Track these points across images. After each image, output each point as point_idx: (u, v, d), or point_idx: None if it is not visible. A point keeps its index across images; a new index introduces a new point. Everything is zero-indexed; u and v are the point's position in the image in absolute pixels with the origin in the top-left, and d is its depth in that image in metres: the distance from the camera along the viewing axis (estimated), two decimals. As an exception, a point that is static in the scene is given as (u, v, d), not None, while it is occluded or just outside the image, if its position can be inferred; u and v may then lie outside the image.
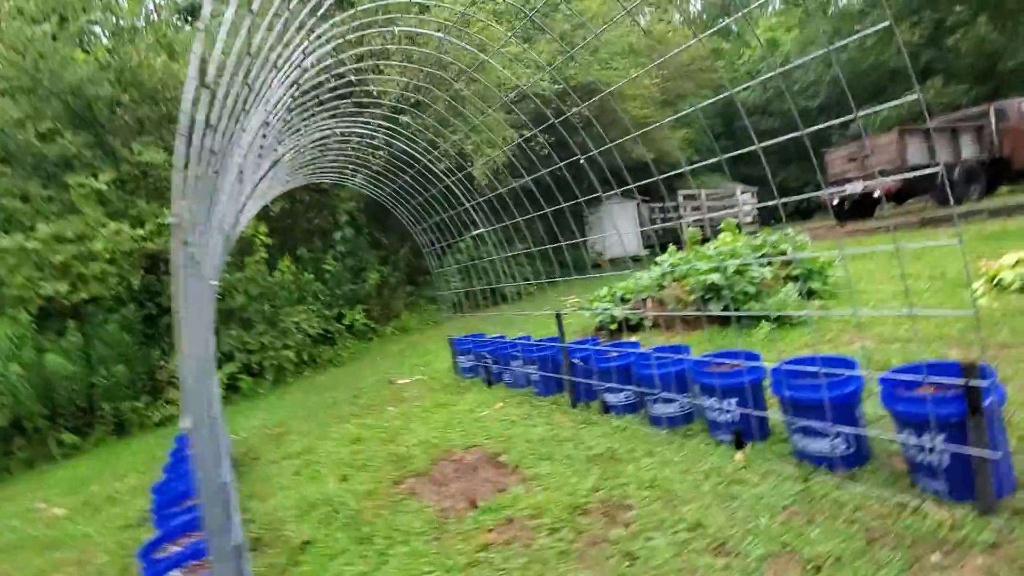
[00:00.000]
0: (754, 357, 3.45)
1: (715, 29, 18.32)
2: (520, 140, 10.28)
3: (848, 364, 2.88)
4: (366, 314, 12.13)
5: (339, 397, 7.52)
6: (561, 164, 4.23)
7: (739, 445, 3.19)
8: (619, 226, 16.23)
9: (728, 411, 3.30)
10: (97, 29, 10.52)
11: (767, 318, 5.61)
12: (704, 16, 34.15)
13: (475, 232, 6.16)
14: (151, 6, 11.59)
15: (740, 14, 3.36)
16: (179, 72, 9.69)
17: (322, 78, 4.85)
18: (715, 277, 5.95)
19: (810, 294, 6.31)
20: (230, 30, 1.93)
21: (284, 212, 11.47)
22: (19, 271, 8.48)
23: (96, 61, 9.42)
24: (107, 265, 8.98)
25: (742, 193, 19.43)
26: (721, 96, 3.26)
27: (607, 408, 4.37)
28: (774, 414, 3.22)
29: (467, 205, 6.10)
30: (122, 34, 10.24)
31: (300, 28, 3.10)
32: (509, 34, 9.63)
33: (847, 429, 2.65)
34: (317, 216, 11.99)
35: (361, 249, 12.32)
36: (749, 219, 19.30)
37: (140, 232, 9.19)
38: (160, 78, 9.69)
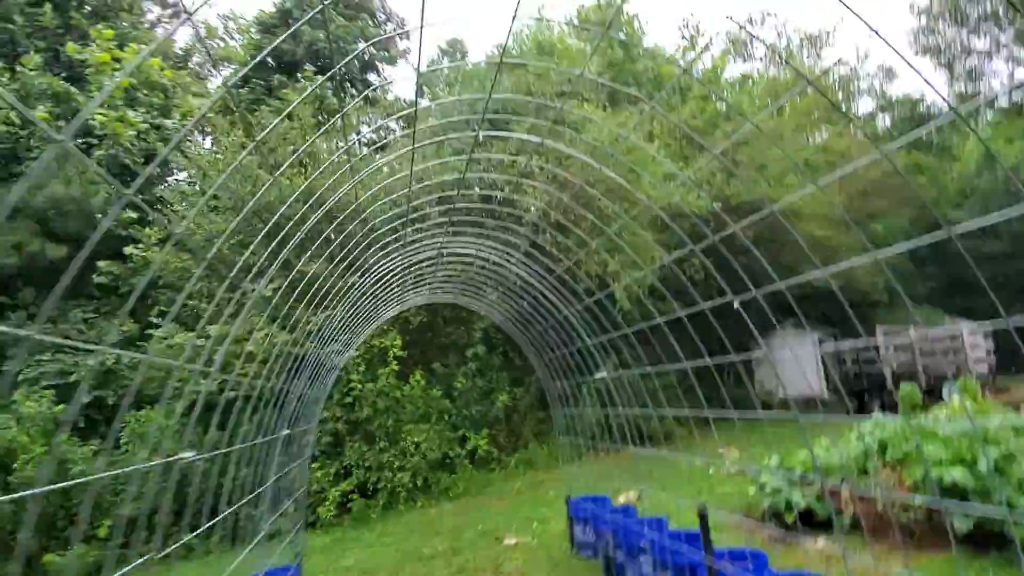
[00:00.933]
0: None
1: (904, 140, 15.91)
2: (670, 261, 9.21)
3: None
4: (491, 440, 11.24)
5: (437, 548, 6.47)
6: (728, 298, 3.07)
7: None
8: (794, 363, 13.63)
9: None
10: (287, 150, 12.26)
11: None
12: (895, 132, 30.93)
13: (600, 375, 5.04)
14: (341, 142, 13.36)
15: (933, 125, 2.11)
16: (355, 194, 10.68)
17: (470, 193, 4.51)
18: (958, 474, 3.95)
19: None
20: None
21: (423, 324, 11.52)
22: (186, 367, 9.29)
23: (290, 184, 10.79)
24: (259, 366, 9.50)
25: (970, 334, 13.93)
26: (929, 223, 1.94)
27: None
28: None
29: (613, 334, 5.08)
30: (316, 163, 11.76)
31: (459, 153, 2.65)
32: (662, 153, 8.97)
33: None
34: (455, 331, 11.88)
35: (493, 368, 11.77)
36: (984, 369, 14.07)
37: (291, 336, 9.71)
38: (338, 202, 10.77)
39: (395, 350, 10.02)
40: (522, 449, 11.86)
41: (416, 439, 10.07)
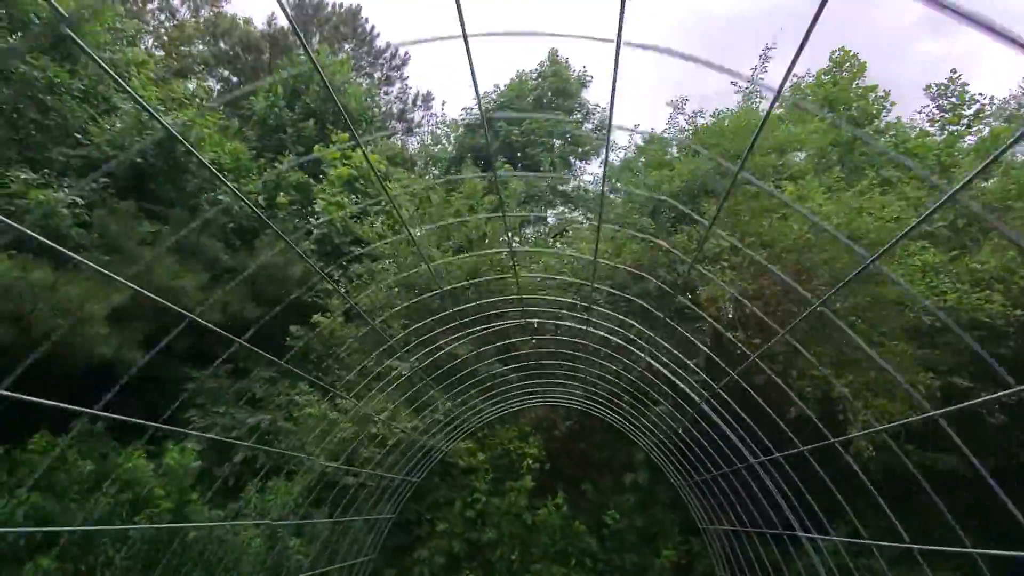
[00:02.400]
0: None
1: None
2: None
3: None
4: (649, 608, 8.20)
5: None
6: None
7: None
8: None
9: None
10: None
11: None
12: None
13: None
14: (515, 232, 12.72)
15: None
16: (514, 284, 9.64)
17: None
18: None
19: None
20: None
21: (573, 433, 9.40)
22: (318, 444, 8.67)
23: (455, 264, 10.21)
24: (384, 452, 8.43)
25: None
26: None
27: None
28: None
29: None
30: (481, 243, 11.14)
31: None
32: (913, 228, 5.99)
33: None
34: (612, 447, 9.46)
35: (659, 505, 8.90)
36: None
37: (419, 422, 8.54)
38: (497, 285, 9.81)
39: (531, 459, 8.07)
40: (694, 632, 8.45)
41: (546, 586, 7.70)
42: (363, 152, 4.50)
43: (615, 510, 8.50)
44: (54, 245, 2.92)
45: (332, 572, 7.75)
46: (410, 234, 7.47)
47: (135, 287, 3.66)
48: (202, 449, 10.48)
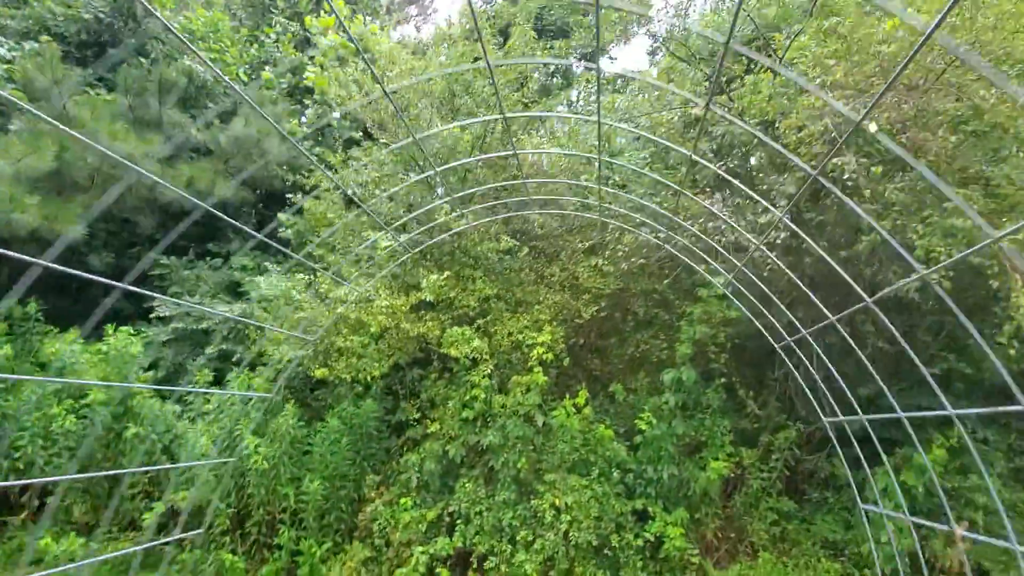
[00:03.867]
0: None
1: None
2: None
3: None
4: (690, 530, 6.62)
5: None
6: None
7: None
8: None
9: None
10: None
11: None
12: None
13: None
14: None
15: None
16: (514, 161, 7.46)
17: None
18: None
19: None
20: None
21: (600, 321, 7.56)
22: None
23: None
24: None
25: None
26: None
27: None
28: None
29: None
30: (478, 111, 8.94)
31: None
32: None
33: None
34: (650, 338, 7.60)
35: (707, 411, 7.12)
36: None
37: (406, 304, 6.82)
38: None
39: (541, 348, 6.28)
40: (744, 559, 6.89)
41: (563, 499, 6.14)
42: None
43: (651, 413, 6.76)
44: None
45: (303, 475, 6.37)
46: (385, 93, 5.39)
47: (75, 135, 1.90)
48: (171, 339, 9.20)
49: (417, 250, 7.81)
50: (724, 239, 6.32)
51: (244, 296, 9.39)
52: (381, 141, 9.41)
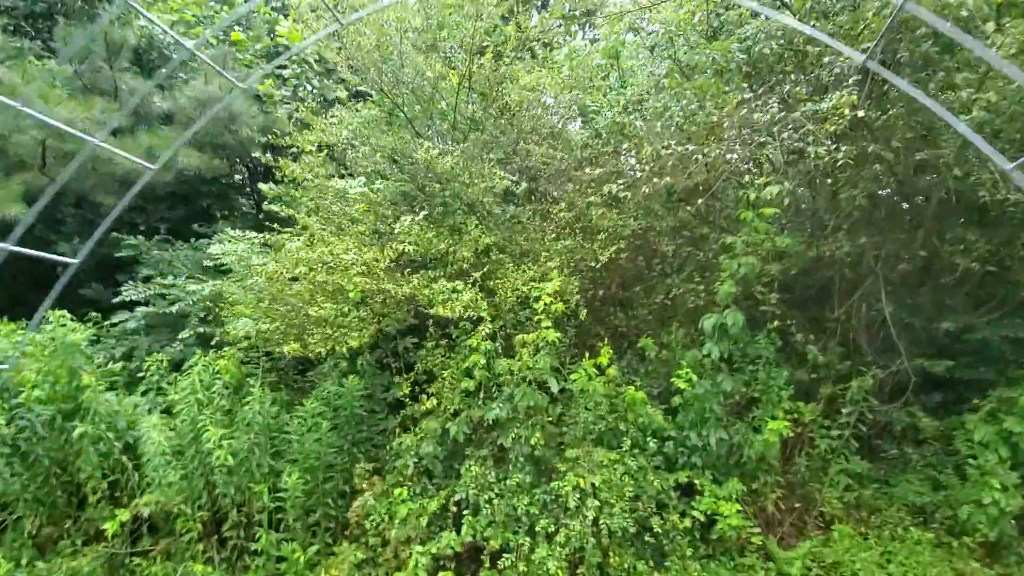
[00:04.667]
0: None
1: None
2: None
3: None
4: (747, 503, 5.49)
5: None
6: None
7: None
8: None
9: None
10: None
11: None
12: None
13: None
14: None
15: None
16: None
17: None
18: None
19: None
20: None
21: (620, 266, 6.33)
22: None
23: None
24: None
25: None
26: None
27: None
28: None
29: None
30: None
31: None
32: None
33: None
34: (683, 283, 6.37)
35: (759, 362, 5.91)
36: None
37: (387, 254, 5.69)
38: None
39: (548, 298, 5.10)
40: (814, 533, 5.75)
41: (589, 478, 5.05)
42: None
43: (690, 369, 5.58)
44: None
45: (282, 469, 5.40)
46: (338, 19, 4.16)
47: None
48: (141, 327, 8.29)
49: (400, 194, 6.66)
50: (773, 143, 5.01)
51: (226, 274, 8.40)
52: (361, 88, 8.17)
